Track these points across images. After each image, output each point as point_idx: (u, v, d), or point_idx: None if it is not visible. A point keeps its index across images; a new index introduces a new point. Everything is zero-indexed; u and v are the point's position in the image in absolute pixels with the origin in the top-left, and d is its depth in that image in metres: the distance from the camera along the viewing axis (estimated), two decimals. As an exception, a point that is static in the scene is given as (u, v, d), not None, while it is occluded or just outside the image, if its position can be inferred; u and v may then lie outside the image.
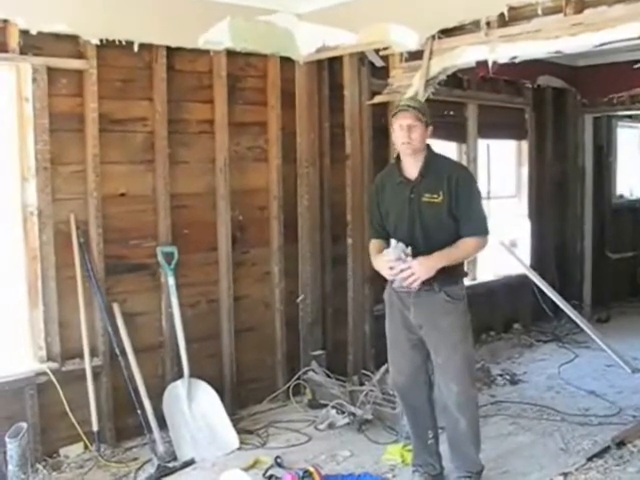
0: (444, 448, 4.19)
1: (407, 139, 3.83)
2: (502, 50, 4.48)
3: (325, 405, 5.27)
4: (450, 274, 3.85)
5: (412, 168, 3.92)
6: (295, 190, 5.76)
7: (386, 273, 3.86)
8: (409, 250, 3.78)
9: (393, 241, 3.85)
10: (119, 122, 4.83)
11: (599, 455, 4.54)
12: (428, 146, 3.97)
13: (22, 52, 4.35)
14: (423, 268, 3.73)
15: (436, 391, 4.06)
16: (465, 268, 4.13)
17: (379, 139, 5.74)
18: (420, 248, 3.82)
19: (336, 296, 5.92)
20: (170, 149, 5.02)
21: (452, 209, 3.82)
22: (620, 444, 4.64)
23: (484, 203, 4.08)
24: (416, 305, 3.90)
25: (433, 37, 4.79)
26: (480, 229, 3.87)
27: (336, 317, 5.94)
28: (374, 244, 4.10)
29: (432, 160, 3.92)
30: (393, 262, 3.79)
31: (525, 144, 7.95)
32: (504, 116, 7.68)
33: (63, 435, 4.63)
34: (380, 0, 5.12)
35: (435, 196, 3.82)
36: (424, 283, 3.80)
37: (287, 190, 5.68)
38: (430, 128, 3.90)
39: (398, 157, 4.02)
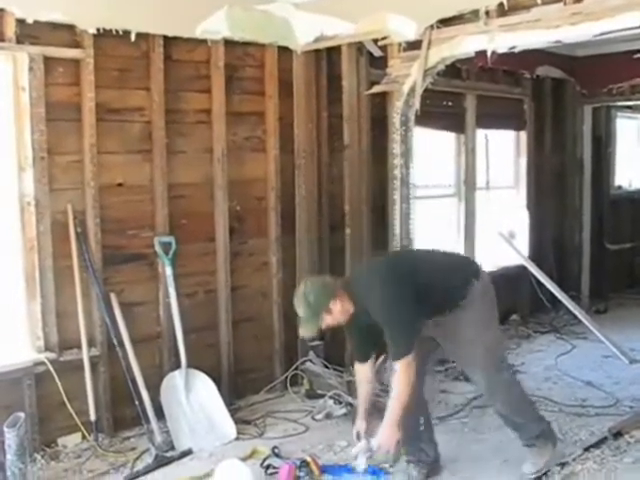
0: (438, 437, 4.21)
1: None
2: (501, 40, 4.47)
3: (322, 395, 5.28)
4: (457, 295, 3.86)
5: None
6: (293, 180, 5.75)
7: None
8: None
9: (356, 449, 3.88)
10: (116, 112, 4.81)
11: (596, 445, 4.55)
12: (344, 289, 3.84)
13: (19, 41, 4.32)
14: (384, 439, 3.71)
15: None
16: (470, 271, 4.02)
17: (377, 129, 5.74)
18: None
19: (334, 287, 5.90)
20: (167, 139, 5.00)
21: None
22: (617, 435, 4.65)
23: (402, 310, 3.72)
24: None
25: (432, 27, 4.77)
26: (398, 356, 3.67)
27: (334, 307, 5.92)
28: (357, 370, 4.12)
29: (356, 301, 3.81)
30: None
31: (524, 135, 7.93)
32: (503, 107, 7.66)
33: (61, 425, 4.63)
34: (378, -11, 5.11)
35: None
36: None
37: (285, 180, 5.67)
38: (333, 305, 3.74)
39: None
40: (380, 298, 3.74)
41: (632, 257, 9.40)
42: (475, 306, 3.89)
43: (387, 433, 3.70)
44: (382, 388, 4.99)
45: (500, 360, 4.13)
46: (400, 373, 3.67)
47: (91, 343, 4.70)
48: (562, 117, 8.28)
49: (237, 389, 5.44)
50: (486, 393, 4.04)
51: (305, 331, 3.87)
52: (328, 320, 3.78)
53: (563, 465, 4.27)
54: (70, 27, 4.54)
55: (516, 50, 4.63)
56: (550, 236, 8.19)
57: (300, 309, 3.80)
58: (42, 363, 4.49)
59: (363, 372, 4.05)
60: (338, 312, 3.78)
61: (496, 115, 7.62)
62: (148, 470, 4.32)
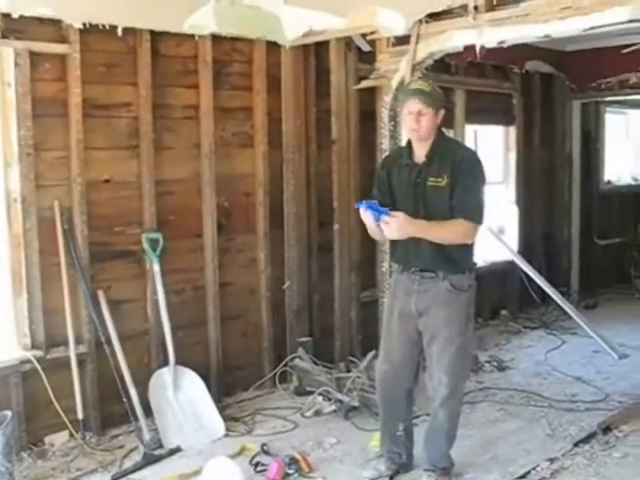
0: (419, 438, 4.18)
1: (415, 126, 3.77)
2: (490, 34, 4.45)
3: (312, 392, 5.27)
4: (456, 263, 3.82)
5: (420, 152, 3.86)
6: (281, 176, 5.72)
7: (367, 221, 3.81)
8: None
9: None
10: (103, 107, 4.77)
11: (585, 441, 4.57)
12: (439, 129, 3.89)
13: (4, 36, 4.27)
14: (397, 226, 3.65)
15: (427, 377, 4.01)
16: (473, 259, 3.98)
17: (366, 124, 5.73)
18: None
19: (323, 282, 5.90)
20: (155, 135, 4.96)
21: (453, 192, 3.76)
22: (606, 430, 4.67)
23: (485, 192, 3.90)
24: (419, 292, 3.87)
25: (420, 21, 4.75)
26: (472, 215, 3.73)
27: (323, 304, 5.92)
28: None
29: (440, 144, 3.85)
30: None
31: (513, 130, 7.93)
32: (492, 101, 7.65)
33: (48, 423, 4.60)
34: (367, -16, 5.08)
35: (440, 180, 3.76)
36: (429, 270, 3.81)
37: (273, 176, 5.64)
38: (442, 112, 3.82)
39: (409, 141, 3.96)
40: (476, 164, 3.83)
41: (621, 252, 9.41)
42: (463, 297, 3.85)
43: (406, 223, 3.66)
44: (372, 384, 5.00)
45: (466, 371, 4.16)
46: (461, 227, 3.72)
47: (78, 340, 4.66)
48: (551, 112, 8.29)
49: (226, 386, 5.42)
50: (440, 397, 3.88)
51: (422, 102, 3.73)
52: (426, 116, 3.74)
53: (552, 460, 4.28)
54: (56, 22, 4.48)
55: (505, 45, 4.60)
56: (539, 231, 8.19)
57: (429, 87, 3.81)
58: (29, 361, 4.46)
59: None
60: (432, 120, 3.77)
61: (485, 110, 7.60)
62: (136, 468, 4.29)
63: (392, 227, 3.65)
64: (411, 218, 3.69)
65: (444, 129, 4.03)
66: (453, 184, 3.74)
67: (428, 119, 3.76)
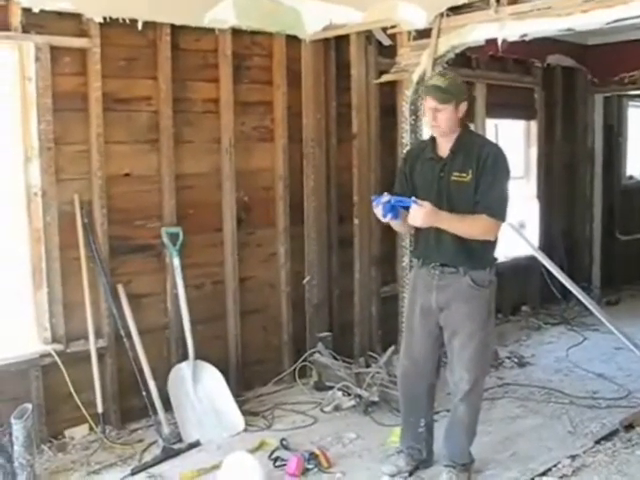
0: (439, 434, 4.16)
1: (433, 122, 3.76)
2: (512, 28, 4.42)
3: (331, 387, 5.25)
4: (477, 258, 3.79)
5: (445, 146, 3.83)
6: (301, 170, 5.71)
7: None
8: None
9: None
10: (123, 101, 4.78)
11: (607, 438, 4.53)
12: (464, 124, 3.86)
13: (24, 30, 4.28)
14: (423, 214, 3.60)
15: (447, 373, 3.99)
16: (495, 254, 3.93)
17: (386, 118, 5.72)
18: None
19: (342, 277, 5.89)
20: (175, 129, 4.96)
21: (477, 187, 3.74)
22: (628, 427, 4.63)
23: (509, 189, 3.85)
24: (439, 287, 3.84)
25: (442, 15, 4.72)
26: (495, 210, 3.70)
27: (342, 298, 5.91)
28: None
29: (465, 138, 3.82)
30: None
31: (534, 124, 7.86)
32: (513, 96, 7.58)
33: (68, 416, 4.62)
34: (388, -23, 5.05)
35: (464, 175, 3.74)
36: (449, 265, 3.79)
37: (293, 170, 5.63)
38: (463, 105, 3.77)
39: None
40: (501, 160, 3.78)
41: (644, 248, 9.32)
42: (485, 293, 3.83)
43: (431, 212, 3.61)
44: (391, 379, 4.99)
45: (487, 366, 4.15)
46: (484, 223, 3.69)
47: (98, 334, 4.68)
48: (573, 106, 8.21)
49: (245, 381, 5.42)
50: (461, 392, 3.86)
51: (438, 99, 3.70)
52: (444, 112, 3.71)
53: (574, 457, 4.25)
54: (76, 16, 4.49)
55: (527, 38, 4.57)
56: (560, 226, 8.14)
57: (446, 82, 3.74)
58: (49, 355, 4.48)
59: None
60: (451, 115, 3.73)
61: (506, 104, 7.54)
62: (156, 462, 4.30)
63: (417, 214, 3.61)
64: (436, 208, 3.66)
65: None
66: (477, 180, 3.71)
67: (446, 115, 3.72)
